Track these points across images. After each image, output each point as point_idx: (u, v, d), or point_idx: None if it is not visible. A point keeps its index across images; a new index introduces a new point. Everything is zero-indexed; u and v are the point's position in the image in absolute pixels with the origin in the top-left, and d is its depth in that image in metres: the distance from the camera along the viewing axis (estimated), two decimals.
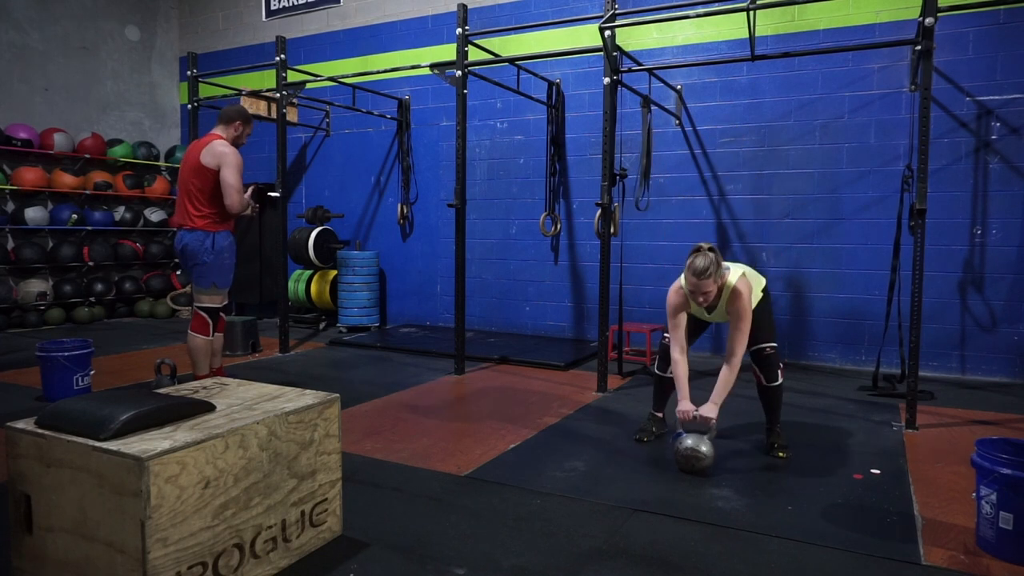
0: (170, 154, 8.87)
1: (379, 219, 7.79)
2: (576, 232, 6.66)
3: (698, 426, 3.21)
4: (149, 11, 9.01)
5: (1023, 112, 5.03)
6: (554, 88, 6.56)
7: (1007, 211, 5.10)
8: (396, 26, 7.52)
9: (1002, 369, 5.16)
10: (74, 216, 7.70)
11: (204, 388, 2.54)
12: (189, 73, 6.97)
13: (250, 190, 4.43)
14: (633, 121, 5.95)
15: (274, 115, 6.90)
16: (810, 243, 5.69)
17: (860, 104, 5.48)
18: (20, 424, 2.05)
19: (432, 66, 5.44)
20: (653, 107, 5.70)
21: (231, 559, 2.05)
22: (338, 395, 2.50)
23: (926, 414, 4.16)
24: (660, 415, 3.79)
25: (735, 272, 3.29)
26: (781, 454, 3.40)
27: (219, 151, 4.24)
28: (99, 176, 7.95)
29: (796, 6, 5.26)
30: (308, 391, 2.51)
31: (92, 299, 7.97)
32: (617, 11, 4.58)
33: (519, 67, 5.87)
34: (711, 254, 3.14)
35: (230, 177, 4.21)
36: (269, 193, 6.42)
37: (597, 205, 4.72)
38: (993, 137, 5.11)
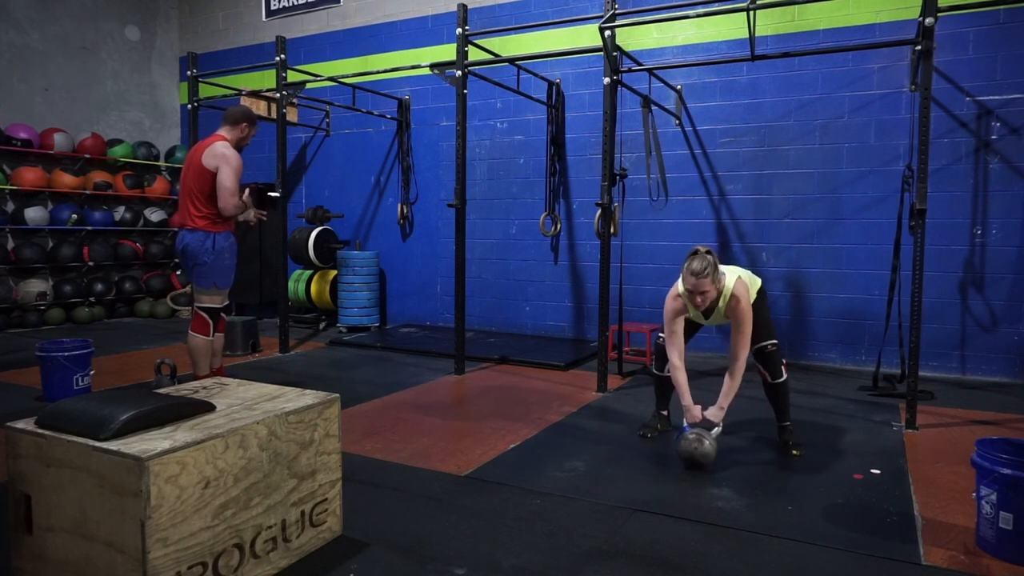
0: (170, 154, 8.87)
1: (379, 219, 7.80)
2: (576, 232, 6.66)
3: (704, 425, 3.23)
4: (149, 11, 9.01)
5: (1023, 112, 5.03)
6: (554, 88, 6.56)
7: (1007, 211, 5.10)
8: (396, 26, 7.52)
9: (1002, 369, 5.16)
10: (74, 216, 7.70)
11: (204, 388, 2.54)
12: (189, 73, 6.97)
13: (247, 191, 4.42)
14: (633, 121, 5.95)
15: (274, 115, 6.90)
16: (810, 243, 5.69)
17: (860, 104, 5.48)
18: (20, 424, 2.05)
19: (432, 66, 5.44)
20: (653, 107, 5.70)
21: (231, 559, 2.05)
22: (338, 395, 2.50)
23: (926, 414, 4.16)
24: (665, 413, 3.81)
25: (731, 276, 3.31)
26: (796, 452, 3.41)
27: (220, 152, 4.24)
28: (99, 176, 7.95)
29: (796, 6, 5.26)
30: (308, 391, 2.51)
31: (92, 299, 7.97)
32: (617, 11, 4.58)
33: (519, 67, 5.87)
34: (708, 256, 3.17)
35: (226, 179, 4.18)
36: (269, 193, 6.42)
37: (597, 205, 4.72)
38: (993, 137, 5.11)
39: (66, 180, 7.69)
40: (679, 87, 6.06)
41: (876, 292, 5.37)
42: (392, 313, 7.78)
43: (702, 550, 2.42)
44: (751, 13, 4.32)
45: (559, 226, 6.70)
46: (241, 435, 2.07)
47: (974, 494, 2.47)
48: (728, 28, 5.80)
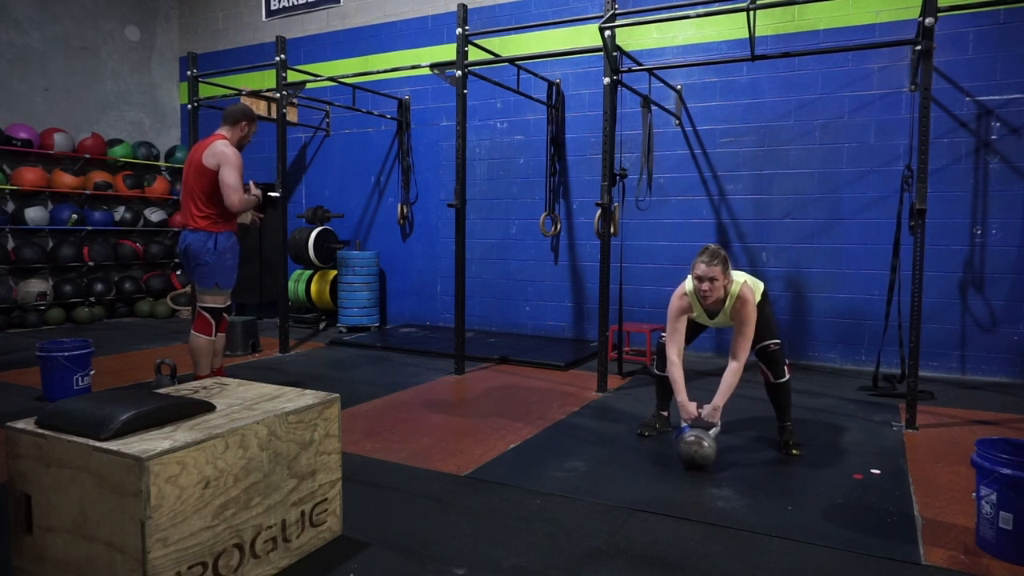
0: (170, 154, 8.87)
1: (379, 219, 7.80)
2: (576, 232, 6.66)
3: (701, 423, 3.23)
4: (149, 11, 9.01)
5: (1023, 112, 5.03)
6: (554, 88, 6.56)
7: (1007, 211, 5.10)
8: (396, 26, 7.52)
9: (1002, 369, 5.16)
10: (74, 216, 7.70)
11: (204, 388, 2.54)
12: (189, 73, 6.97)
13: (251, 184, 4.43)
14: (633, 121, 5.95)
15: (274, 115, 6.90)
16: (810, 243, 5.69)
17: (860, 104, 5.48)
18: (20, 424, 2.05)
19: (432, 66, 5.44)
20: (653, 107, 5.70)
21: (231, 559, 2.05)
22: (338, 395, 2.50)
23: (926, 414, 4.16)
24: (665, 413, 3.82)
25: (739, 280, 3.35)
26: (795, 451, 3.42)
27: (219, 151, 4.24)
28: (99, 176, 7.95)
29: (796, 6, 5.26)
30: (308, 391, 2.51)
31: (92, 299, 7.97)
32: (617, 11, 4.58)
33: (519, 67, 5.87)
34: (721, 251, 3.27)
35: (229, 177, 4.19)
36: (269, 193, 6.42)
37: (597, 205, 4.72)
38: (993, 137, 5.11)
39: (66, 180, 7.69)
40: (679, 87, 6.06)
41: (876, 292, 5.37)
42: (392, 313, 7.78)
43: (702, 550, 2.42)
44: (751, 13, 4.32)
45: (559, 226, 6.70)
46: (241, 435, 2.07)
47: (974, 494, 2.47)
48: (728, 28, 5.80)
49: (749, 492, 2.94)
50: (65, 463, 1.93)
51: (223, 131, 4.40)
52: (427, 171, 7.45)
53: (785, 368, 3.45)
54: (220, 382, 2.65)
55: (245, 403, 2.32)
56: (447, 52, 6.73)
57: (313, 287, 7.60)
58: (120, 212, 8.23)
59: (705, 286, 3.25)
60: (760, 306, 3.42)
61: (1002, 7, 4.94)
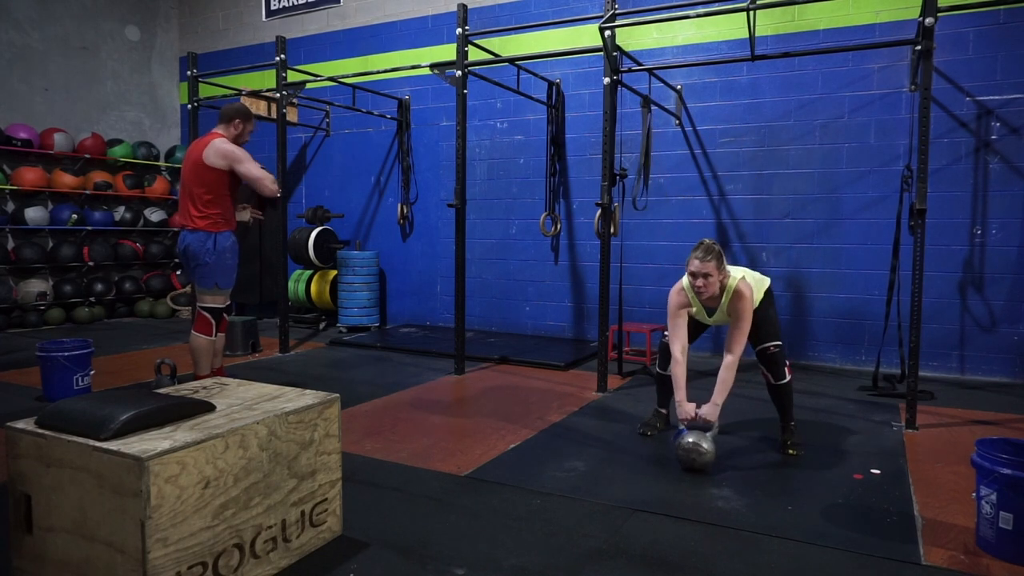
0: (170, 154, 8.87)
1: (379, 219, 7.80)
2: (576, 232, 6.66)
3: (699, 424, 3.22)
4: (149, 11, 9.01)
5: (1023, 112, 5.03)
6: (554, 88, 6.56)
7: (1007, 211, 5.10)
8: (396, 26, 7.52)
9: (1002, 369, 5.16)
10: (74, 216, 7.70)
11: (204, 388, 2.54)
12: (189, 73, 6.97)
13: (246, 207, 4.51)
14: (633, 121, 5.95)
15: (274, 115, 6.90)
16: (810, 243, 5.69)
17: (860, 104, 5.48)
18: (20, 424, 2.05)
19: (432, 66, 5.44)
20: (653, 107, 5.70)
21: (231, 559, 2.05)
22: (338, 395, 2.50)
23: (926, 414, 4.16)
24: (665, 412, 3.82)
25: (736, 275, 3.33)
26: (792, 451, 3.42)
27: (224, 150, 4.26)
28: (99, 176, 7.95)
29: (796, 6, 5.26)
30: (308, 391, 2.51)
31: (92, 299, 7.97)
32: (617, 11, 4.58)
33: (519, 67, 5.87)
34: (715, 246, 3.26)
35: (253, 171, 4.30)
36: None
37: (597, 205, 4.72)
38: (993, 137, 5.11)
39: (66, 180, 7.69)
40: (679, 87, 6.06)
41: (876, 292, 5.37)
42: (392, 313, 7.78)
43: (702, 550, 2.42)
44: (751, 13, 4.32)
45: (559, 226, 6.70)
46: (241, 435, 2.07)
47: (974, 494, 2.47)
48: (728, 28, 5.80)
49: (749, 492, 2.94)
50: (65, 463, 1.93)
51: (219, 129, 4.42)
52: (427, 171, 7.45)
53: (786, 370, 3.44)
54: (220, 382, 2.65)
55: (245, 403, 2.32)
56: (447, 52, 6.73)
57: (313, 287, 7.60)
58: (120, 212, 8.23)
59: (699, 282, 3.24)
60: (763, 305, 3.43)
61: (1002, 7, 4.94)
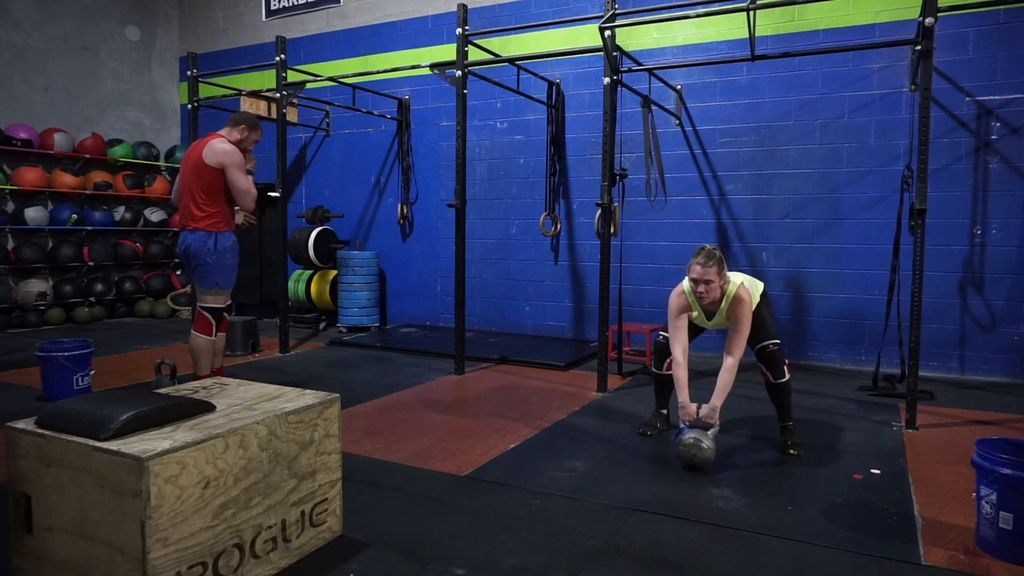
0: (170, 154, 8.86)
1: (379, 219, 7.80)
2: (576, 232, 6.66)
3: (700, 424, 3.23)
4: (149, 11, 9.01)
5: (1023, 112, 5.03)
6: (554, 88, 6.56)
7: (1007, 211, 5.10)
8: (396, 26, 7.52)
9: (1002, 369, 5.16)
10: (74, 216, 7.70)
11: (204, 388, 2.54)
12: (189, 73, 6.97)
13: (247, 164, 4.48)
14: (633, 121, 5.95)
15: (274, 115, 6.89)
16: (810, 243, 5.69)
17: (860, 104, 5.48)
18: (20, 424, 2.05)
19: (432, 66, 5.44)
20: (653, 107, 5.70)
21: (231, 559, 2.05)
22: (338, 395, 2.50)
23: (926, 414, 4.16)
24: (664, 412, 3.83)
25: (736, 280, 3.36)
26: (792, 451, 3.42)
27: (220, 149, 4.26)
28: (99, 176, 7.95)
29: (796, 6, 5.26)
30: (308, 391, 2.51)
31: (92, 299, 7.97)
32: (617, 11, 4.58)
33: (519, 67, 5.87)
34: (716, 252, 3.28)
35: (239, 181, 4.25)
36: (269, 193, 6.42)
37: (597, 205, 4.72)
38: (993, 137, 5.11)
39: (66, 180, 7.69)
40: (679, 87, 6.06)
41: (876, 292, 5.37)
42: (392, 313, 7.78)
43: (702, 550, 2.42)
44: (751, 13, 4.32)
45: (559, 226, 6.70)
46: (241, 435, 2.07)
47: (974, 494, 2.47)
48: (728, 28, 5.80)
49: (749, 492, 2.94)
50: (65, 463, 1.93)
51: (222, 131, 4.44)
52: (427, 171, 7.45)
53: (785, 368, 3.45)
54: (220, 382, 2.65)
55: (245, 403, 2.32)
56: (447, 52, 6.73)
57: (313, 287, 7.60)
58: (120, 212, 8.23)
59: (701, 288, 3.27)
60: (759, 307, 3.44)
61: (1002, 7, 4.94)
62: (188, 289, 8.32)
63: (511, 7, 6.80)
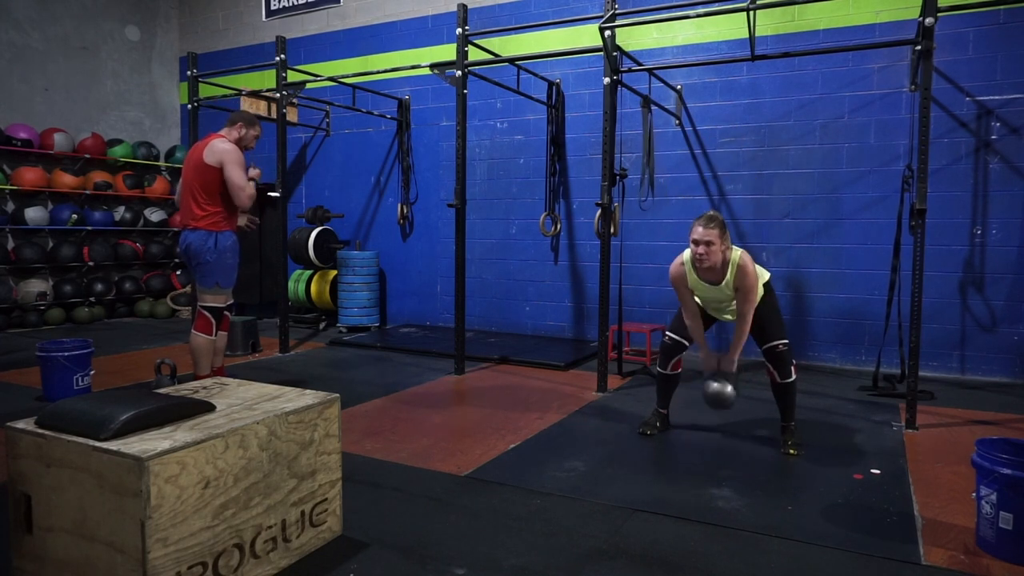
0: (170, 154, 8.87)
1: (379, 219, 7.80)
2: (576, 232, 6.66)
3: (722, 373, 3.48)
4: (149, 11, 9.01)
5: (1023, 112, 5.03)
6: (554, 88, 6.56)
7: (1007, 211, 5.10)
8: (396, 26, 7.52)
9: (1002, 369, 5.16)
10: (74, 216, 7.70)
11: (204, 388, 2.55)
12: (189, 73, 6.97)
13: (251, 166, 4.49)
14: (633, 121, 5.95)
15: (274, 115, 6.89)
16: (810, 243, 5.69)
17: (860, 104, 5.48)
18: (20, 424, 2.05)
19: (432, 66, 5.44)
20: (653, 107, 5.70)
21: (231, 559, 2.05)
22: (338, 395, 2.50)
23: (926, 414, 4.16)
24: (664, 412, 3.83)
25: (738, 249, 3.37)
26: (792, 451, 3.43)
27: (219, 148, 4.28)
28: (99, 176, 7.95)
29: (796, 6, 5.25)
30: (308, 391, 2.51)
31: (92, 299, 7.97)
32: (617, 11, 4.58)
33: (519, 67, 5.87)
34: (719, 216, 3.31)
35: (235, 177, 4.25)
36: (269, 193, 6.42)
37: (597, 205, 4.72)
38: (993, 137, 5.11)
39: (66, 180, 7.69)
40: (679, 87, 6.06)
41: (876, 292, 5.37)
42: (392, 313, 7.78)
43: (702, 550, 2.42)
44: (751, 13, 4.32)
45: (559, 226, 6.70)
46: (241, 435, 2.07)
47: (974, 494, 2.47)
48: (728, 28, 5.80)
49: (749, 492, 2.94)
50: (65, 463, 1.93)
51: (222, 132, 4.49)
52: (427, 171, 7.45)
53: (792, 368, 3.45)
54: (220, 382, 2.65)
55: (245, 403, 2.32)
56: (447, 52, 6.73)
57: (313, 287, 7.60)
58: (120, 212, 8.23)
59: (701, 249, 3.22)
60: (765, 299, 3.46)
61: (1002, 7, 4.94)
62: (188, 289, 8.32)
63: (511, 7, 6.80)
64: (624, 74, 5.16)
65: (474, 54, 5.41)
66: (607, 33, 4.51)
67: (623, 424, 3.96)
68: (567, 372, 5.41)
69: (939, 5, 3.79)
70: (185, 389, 2.53)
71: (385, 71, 6.40)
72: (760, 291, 3.44)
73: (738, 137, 5.90)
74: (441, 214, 7.31)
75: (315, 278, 7.62)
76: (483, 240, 7.09)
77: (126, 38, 8.77)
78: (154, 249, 8.58)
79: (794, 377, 3.47)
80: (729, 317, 3.57)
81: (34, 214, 7.47)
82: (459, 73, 5.13)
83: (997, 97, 5.09)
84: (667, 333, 3.67)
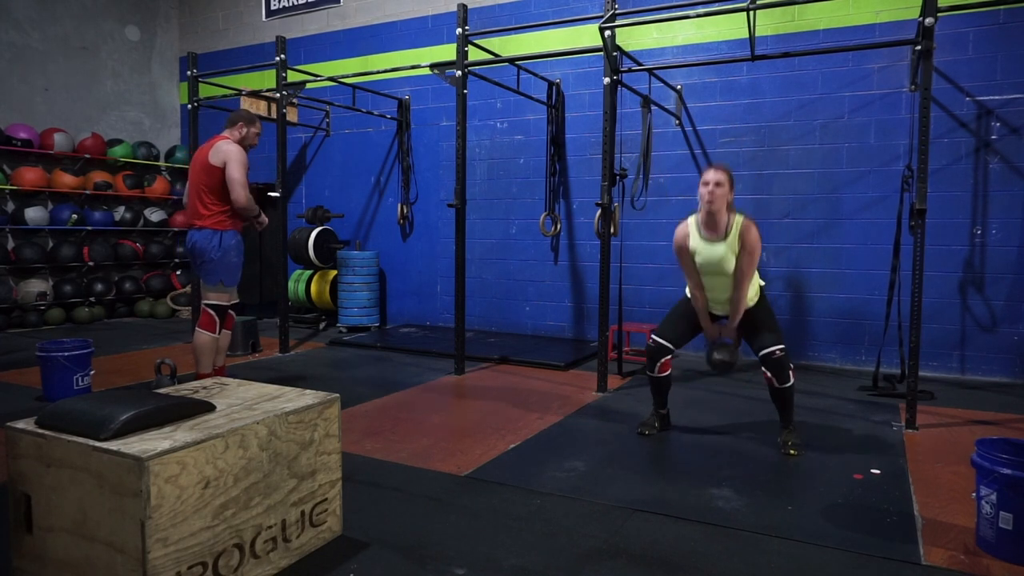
0: (170, 154, 8.86)
1: (379, 219, 7.80)
2: (576, 232, 6.66)
3: (724, 341, 3.67)
4: (149, 11, 9.01)
5: (1023, 112, 5.03)
6: (554, 88, 6.56)
7: (1007, 211, 5.10)
8: (396, 26, 7.52)
9: (1002, 369, 5.16)
10: (74, 216, 7.70)
11: (204, 388, 2.55)
12: (189, 73, 6.97)
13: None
14: (633, 121, 5.95)
15: (274, 115, 6.90)
16: (810, 243, 5.69)
17: (860, 104, 5.48)
18: (20, 424, 2.05)
19: (432, 66, 5.44)
20: (653, 107, 5.70)
21: (231, 559, 2.05)
22: (338, 395, 2.50)
23: (926, 414, 4.16)
24: (663, 411, 3.83)
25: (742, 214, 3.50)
26: (792, 452, 3.43)
27: (224, 149, 4.37)
28: (99, 176, 7.95)
29: (796, 6, 5.26)
30: (308, 391, 2.51)
31: (92, 299, 7.97)
32: (617, 11, 4.58)
33: (519, 67, 5.87)
34: (729, 169, 3.48)
35: (234, 172, 4.32)
36: (269, 193, 6.42)
37: (597, 205, 4.72)
38: (993, 137, 5.11)
39: (66, 180, 7.69)
40: (679, 87, 6.06)
41: (876, 292, 5.37)
42: (392, 313, 7.78)
43: (702, 550, 2.42)
44: (751, 13, 4.32)
45: (559, 226, 6.70)
46: (241, 435, 2.07)
47: (974, 494, 2.47)
48: (728, 28, 5.80)
49: (749, 492, 2.94)
50: (65, 463, 1.93)
51: (225, 133, 4.57)
52: (427, 171, 7.45)
53: (790, 373, 3.44)
54: (220, 382, 2.65)
55: (245, 403, 2.32)
56: (447, 52, 6.73)
57: (313, 287, 7.60)
58: (120, 212, 8.23)
59: (711, 189, 3.35)
60: (761, 303, 3.53)
61: (1002, 7, 4.94)
62: (188, 289, 8.32)
63: (511, 7, 6.80)
64: (624, 74, 5.16)
65: (474, 54, 5.41)
66: (607, 33, 4.51)
67: (623, 424, 3.96)
68: (567, 372, 5.41)
69: (939, 5, 3.79)
70: (185, 389, 2.53)
71: (385, 71, 6.40)
72: (757, 294, 3.48)
73: (738, 137, 5.90)
74: (441, 214, 7.31)
75: (315, 278, 7.62)
76: (483, 240, 7.09)
77: (126, 38, 8.77)
78: (154, 249, 8.58)
79: (792, 382, 3.45)
80: (721, 297, 3.55)
81: (34, 214, 7.47)
82: (459, 73, 5.13)
83: (997, 97, 5.09)
84: (651, 336, 3.67)
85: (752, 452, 3.49)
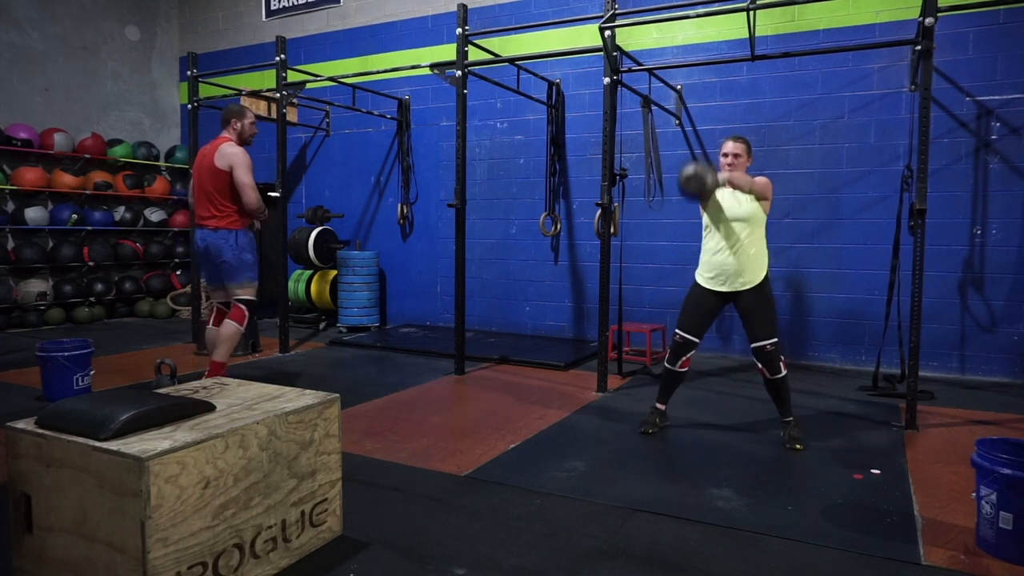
0: (170, 154, 8.86)
1: (379, 219, 7.79)
2: (576, 232, 6.65)
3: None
4: (149, 11, 9.01)
5: (1023, 112, 5.03)
6: (554, 88, 6.56)
7: (1007, 211, 5.10)
8: (396, 26, 7.52)
9: (1002, 369, 5.16)
10: (74, 216, 7.70)
11: (204, 388, 2.55)
12: (189, 73, 6.96)
13: None
14: (633, 121, 5.95)
15: (274, 115, 6.90)
16: (810, 243, 5.69)
17: (860, 104, 5.48)
18: (20, 424, 2.05)
19: (432, 66, 5.44)
20: (653, 107, 5.70)
21: (231, 559, 2.05)
22: (338, 395, 2.50)
23: (926, 414, 4.16)
24: (663, 407, 3.83)
25: None
26: (798, 446, 3.45)
27: (227, 152, 4.43)
28: (99, 176, 7.95)
29: (796, 6, 5.26)
30: (308, 391, 2.51)
31: (92, 299, 7.97)
32: (617, 11, 4.58)
33: (519, 67, 5.87)
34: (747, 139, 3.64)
35: (243, 176, 4.40)
36: (269, 193, 6.41)
37: (597, 205, 4.72)
38: (993, 137, 5.11)
39: (66, 180, 7.69)
40: (679, 87, 6.06)
41: (876, 292, 5.37)
42: (392, 313, 7.78)
43: (702, 550, 2.42)
44: (751, 13, 4.32)
45: (559, 226, 6.70)
46: (241, 435, 2.07)
47: (974, 494, 2.47)
48: (728, 28, 5.80)
49: (749, 492, 2.94)
50: (65, 463, 1.93)
51: (224, 134, 4.60)
52: (427, 171, 7.45)
53: (781, 365, 3.51)
54: (220, 382, 2.65)
55: (245, 403, 2.32)
56: (447, 52, 6.73)
57: (313, 287, 7.60)
58: (120, 212, 8.23)
59: (729, 160, 3.56)
60: (765, 287, 3.56)
61: (1002, 7, 4.94)
62: (188, 289, 8.32)
63: (511, 7, 6.80)
64: (624, 74, 5.16)
65: (474, 54, 5.41)
66: (607, 33, 4.51)
67: (623, 424, 3.96)
68: (567, 372, 5.41)
69: (939, 5, 3.79)
70: (185, 389, 2.53)
71: (385, 71, 6.40)
72: (764, 264, 3.59)
73: None
74: (441, 214, 7.31)
75: (315, 278, 7.62)
76: (483, 240, 7.09)
77: (126, 38, 8.77)
78: (154, 249, 8.58)
79: (784, 373, 3.52)
80: (732, 261, 3.55)
81: (34, 214, 7.47)
82: (459, 73, 5.13)
83: (997, 97, 5.09)
84: (678, 331, 3.68)
85: (752, 452, 3.49)
